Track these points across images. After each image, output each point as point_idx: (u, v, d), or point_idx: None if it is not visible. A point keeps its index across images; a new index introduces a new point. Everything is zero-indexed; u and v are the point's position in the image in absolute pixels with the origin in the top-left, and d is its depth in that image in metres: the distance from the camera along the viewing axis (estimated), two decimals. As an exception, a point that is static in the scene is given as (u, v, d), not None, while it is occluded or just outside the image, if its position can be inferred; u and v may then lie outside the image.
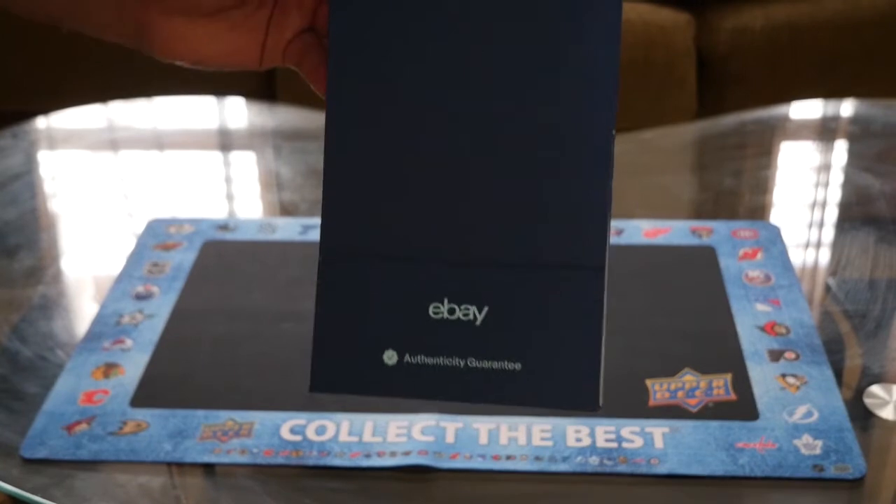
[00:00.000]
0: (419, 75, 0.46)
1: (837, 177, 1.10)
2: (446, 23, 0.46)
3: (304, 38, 0.48)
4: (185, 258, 0.94)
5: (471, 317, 0.45)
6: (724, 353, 0.79)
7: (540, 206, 0.45)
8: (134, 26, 0.46)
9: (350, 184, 0.47)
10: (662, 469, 0.68)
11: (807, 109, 1.28)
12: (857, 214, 1.01)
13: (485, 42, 0.46)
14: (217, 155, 1.23)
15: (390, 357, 0.45)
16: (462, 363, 0.45)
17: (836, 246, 0.96)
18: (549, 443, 0.71)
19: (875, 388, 0.75)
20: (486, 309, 0.45)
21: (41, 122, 1.24)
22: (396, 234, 0.46)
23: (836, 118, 1.25)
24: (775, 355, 0.79)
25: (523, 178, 0.45)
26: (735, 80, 2.03)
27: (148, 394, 0.77)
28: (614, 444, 0.70)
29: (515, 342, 0.45)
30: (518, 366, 0.45)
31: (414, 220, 0.46)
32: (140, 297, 0.88)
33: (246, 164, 1.19)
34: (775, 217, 1.01)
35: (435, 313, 0.45)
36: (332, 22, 0.46)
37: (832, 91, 1.42)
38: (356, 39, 0.46)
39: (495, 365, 0.45)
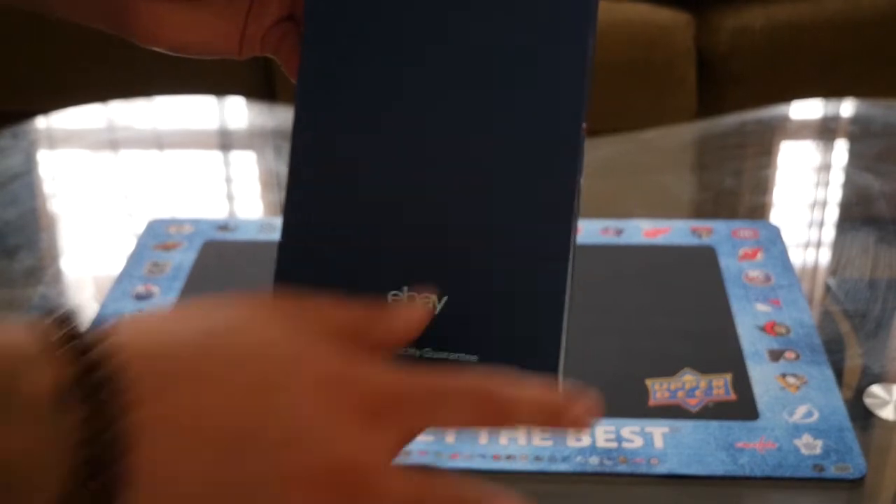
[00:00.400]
0: (388, 70, 0.46)
1: (837, 177, 1.10)
2: (418, 18, 0.46)
3: (282, 27, 0.48)
4: (185, 258, 0.94)
5: (430, 306, 0.45)
6: (724, 353, 0.79)
7: (505, 197, 0.45)
8: (117, 11, 0.46)
9: (314, 171, 0.47)
10: (662, 469, 0.68)
11: (807, 109, 1.28)
12: (857, 214, 1.01)
13: (457, 40, 0.45)
14: (217, 155, 1.23)
15: None
16: (418, 353, 0.45)
17: (836, 246, 0.96)
18: (549, 443, 0.71)
19: (875, 388, 0.75)
20: (445, 299, 0.45)
21: (41, 122, 1.24)
22: (358, 221, 0.46)
23: (836, 118, 1.25)
24: (775, 355, 0.79)
25: (490, 171, 0.45)
26: (735, 80, 2.03)
27: (148, 394, 0.77)
28: (614, 444, 0.70)
29: (473, 334, 0.45)
30: (474, 358, 0.45)
31: (376, 208, 0.46)
32: (140, 297, 0.88)
33: (246, 164, 1.19)
34: (775, 217, 1.01)
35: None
36: (307, 9, 0.47)
37: (832, 91, 1.42)
38: (330, 29, 0.46)
39: (451, 356, 0.45)
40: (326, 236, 0.46)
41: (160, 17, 0.46)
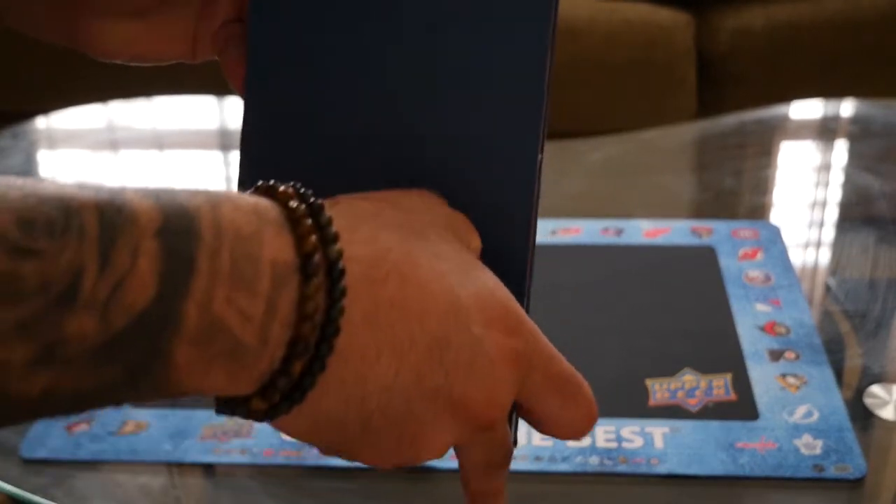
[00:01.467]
0: (337, 75, 0.44)
1: (837, 177, 1.10)
2: (369, 20, 0.45)
3: (229, 28, 0.47)
4: (185, 258, 0.94)
5: None
6: (724, 353, 0.79)
7: (460, 187, 0.44)
8: (67, 27, 0.46)
9: (266, 142, 0.46)
10: (662, 469, 0.68)
11: (807, 109, 1.28)
12: (857, 214, 1.01)
13: (408, 43, 0.44)
14: (217, 155, 1.23)
15: None
16: None
17: (836, 246, 0.96)
18: (549, 443, 0.71)
19: (875, 388, 0.75)
20: None
21: (41, 122, 1.24)
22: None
23: (836, 118, 1.25)
24: (775, 355, 0.79)
25: (446, 170, 0.44)
26: (735, 80, 2.03)
27: (148, 394, 0.77)
28: (614, 444, 0.70)
29: None
30: None
31: (328, 173, 0.45)
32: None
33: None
34: (775, 217, 1.01)
35: None
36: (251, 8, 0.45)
37: (832, 91, 1.42)
38: (276, 29, 0.45)
39: None
40: None
41: (110, 32, 0.45)
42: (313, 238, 0.36)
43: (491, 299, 0.40)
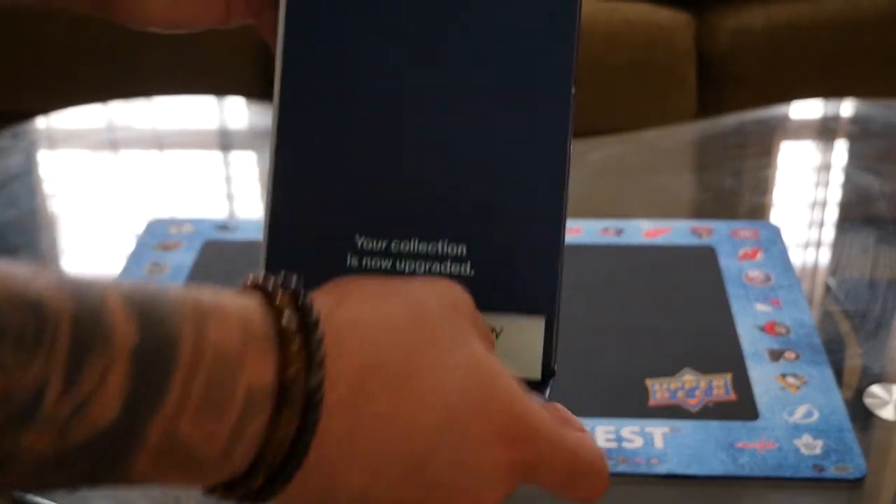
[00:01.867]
0: (371, 57, 0.45)
1: (837, 177, 1.10)
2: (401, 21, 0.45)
3: None
4: (185, 258, 0.94)
5: None
6: (724, 353, 0.79)
7: (490, 179, 0.44)
8: None
9: (299, 158, 0.45)
10: (662, 469, 0.68)
11: (807, 109, 1.28)
12: (857, 214, 1.01)
13: (442, 26, 0.44)
14: (217, 155, 1.23)
15: None
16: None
17: (836, 246, 0.96)
18: (549, 443, 0.71)
19: (875, 388, 0.75)
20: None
21: (41, 122, 1.24)
22: (345, 205, 0.45)
23: (836, 118, 1.25)
24: (775, 355, 0.79)
25: (476, 150, 0.44)
26: (735, 80, 2.03)
27: (148, 394, 0.77)
28: (614, 444, 0.70)
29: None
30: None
31: (362, 189, 0.45)
32: (140, 297, 0.88)
33: (246, 164, 1.19)
34: (775, 217, 1.01)
35: None
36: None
37: (832, 91, 1.42)
38: (310, 23, 0.45)
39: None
40: (314, 222, 0.45)
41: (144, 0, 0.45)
42: (297, 366, 0.34)
43: (497, 408, 0.38)
